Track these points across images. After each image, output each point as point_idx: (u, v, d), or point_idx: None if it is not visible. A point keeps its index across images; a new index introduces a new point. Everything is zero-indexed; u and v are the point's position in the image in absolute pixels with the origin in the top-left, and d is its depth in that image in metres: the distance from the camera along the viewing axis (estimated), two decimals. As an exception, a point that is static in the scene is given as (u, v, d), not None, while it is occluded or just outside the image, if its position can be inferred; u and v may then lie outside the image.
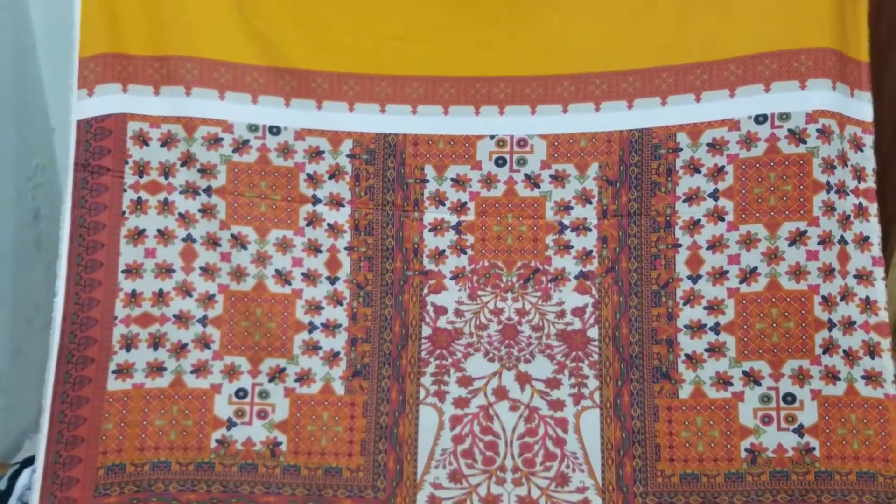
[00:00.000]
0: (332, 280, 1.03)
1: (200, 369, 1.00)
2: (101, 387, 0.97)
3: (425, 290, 1.04)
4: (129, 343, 0.99)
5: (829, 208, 0.95)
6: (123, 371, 0.99)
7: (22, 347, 1.18)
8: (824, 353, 0.95)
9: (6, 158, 1.18)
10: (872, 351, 0.93)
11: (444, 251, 1.03)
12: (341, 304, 1.03)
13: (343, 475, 0.99)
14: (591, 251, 1.02)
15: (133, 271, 1.00)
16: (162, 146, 1.01)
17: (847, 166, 0.95)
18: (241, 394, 1.00)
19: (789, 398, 0.95)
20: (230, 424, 0.99)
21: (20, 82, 1.16)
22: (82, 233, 0.98)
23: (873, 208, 0.95)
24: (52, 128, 1.12)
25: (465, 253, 1.03)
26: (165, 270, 1.00)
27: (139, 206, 1.00)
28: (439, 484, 0.99)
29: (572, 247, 1.02)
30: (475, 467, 1.00)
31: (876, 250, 0.94)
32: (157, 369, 0.99)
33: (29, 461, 1.00)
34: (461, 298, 1.04)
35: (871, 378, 0.93)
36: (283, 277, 1.02)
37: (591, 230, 1.02)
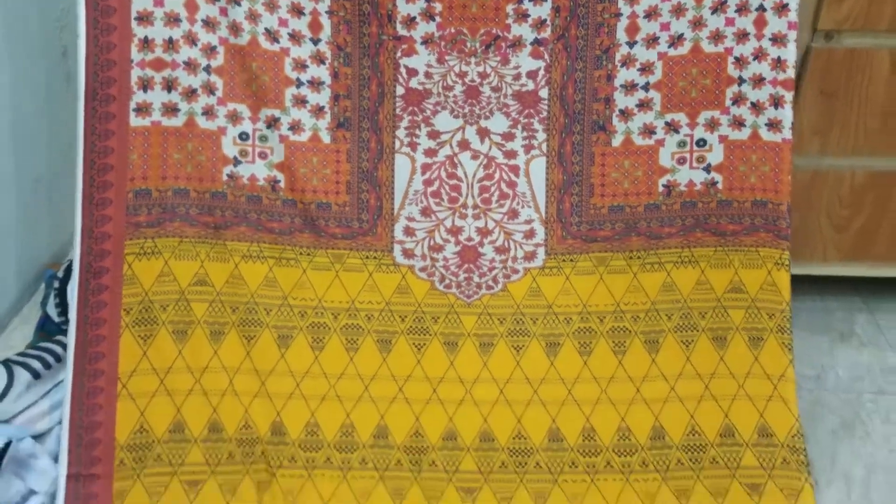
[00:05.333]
0: (315, 41, 1.16)
1: (209, 112, 1.13)
2: (124, 122, 1.09)
3: (398, 54, 1.18)
4: (145, 85, 1.11)
5: None
6: (143, 109, 1.11)
7: (58, 173, 1.32)
8: (733, 104, 1.14)
9: (33, 3, 1.27)
10: (777, 102, 1.12)
11: (415, 17, 1.17)
12: (324, 64, 1.17)
13: (332, 209, 1.17)
14: (546, 20, 1.17)
15: (144, 18, 1.09)
16: None
17: None
18: (243, 136, 1.15)
19: (701, 143, 1.15)
20: (236, 162, 1.15)
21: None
22: None
23: None
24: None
25: (434, 20, 1.17)
26: (173, 19, 1.10)
27: None
28: (413, 217, 1.19)
29: (529, 15, 1.16)
30: (442, 205, 1.19)
31: (793, 16, 1.09)
32: (171, 110, 1.11)
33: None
34: (430, 62, 1.18)
35: (773, 125, 1.13)
36: (272, 35, 1.14)
37: (546, 0, 1.16)
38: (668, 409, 1.11)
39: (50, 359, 1.17)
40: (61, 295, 1.21)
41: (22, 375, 1.13)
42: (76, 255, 1.09)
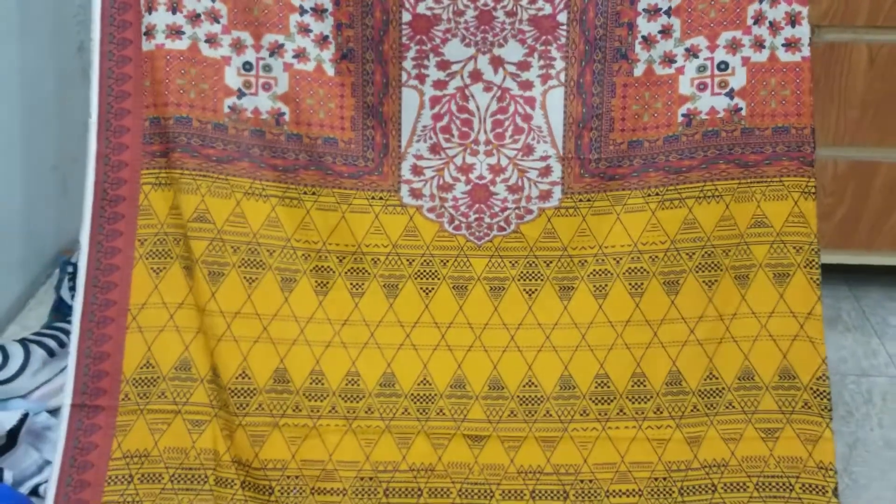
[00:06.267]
0: None
1: (212, 40, 1.08)
2: (138, 47, 1.07)
3: None
4: (150, 6, 1.06)
5: None
6: (149, 32, 1.07)
7: (73, 162, 1.32)
8: (754, 23, 1.05)
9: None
10: (793, 20, 1.03)
11: None
12: None
13: (339, 145, 1.13)
14: None
15: None
16: None
17: None
18: (247, 67, 1.10)
19: (723, 66, 1.07)
20: (240, 94, 1.10)
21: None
22: None
23: None
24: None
25: None
26: None
27: None
28: (421, 155, 1.13)
29: None
30: (452, 141, 1.13)
31: None
32: (175, 32, 1.07)
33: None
34: None
35: (791, 45, 1.04)
36: None
37: None
38: (686, 353, 1.06)
39: (64, 338, 1.18)
40: (75, 279, 1.22)
41: (38, 353, 1.16)
42: (89, 180, 1.07)
